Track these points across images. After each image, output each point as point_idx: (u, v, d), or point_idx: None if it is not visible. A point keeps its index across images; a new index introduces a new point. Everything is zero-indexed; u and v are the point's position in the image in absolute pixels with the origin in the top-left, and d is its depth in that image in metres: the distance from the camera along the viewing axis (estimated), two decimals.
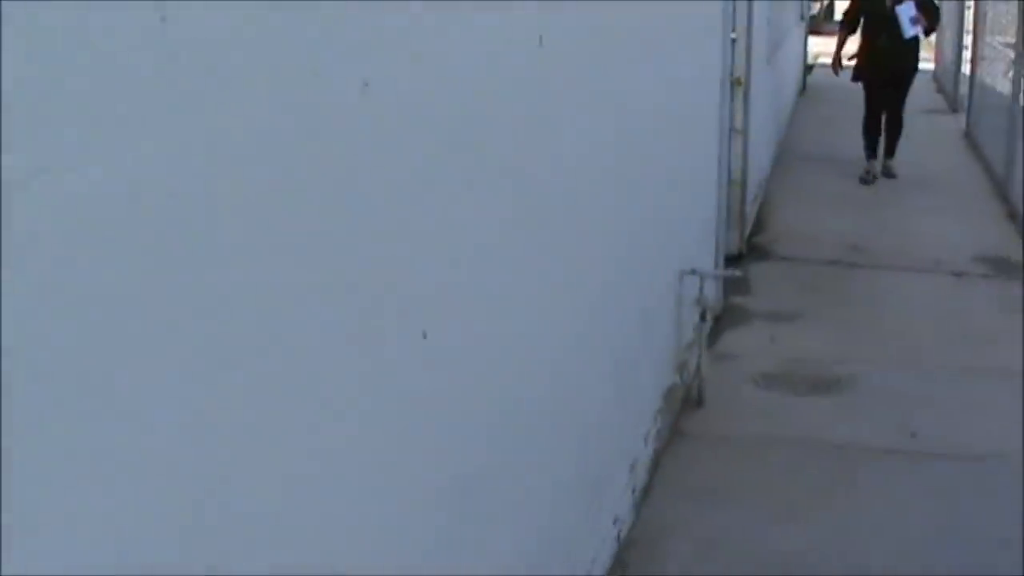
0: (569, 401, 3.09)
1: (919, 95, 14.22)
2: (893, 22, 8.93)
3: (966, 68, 12.21)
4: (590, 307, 3.31)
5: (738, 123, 6.82)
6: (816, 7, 21.03)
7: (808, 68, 15.75)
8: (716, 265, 5.92)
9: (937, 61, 15.57)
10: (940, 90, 14.75)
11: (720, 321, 5.99)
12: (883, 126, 9.59)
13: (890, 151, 9.72)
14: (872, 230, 7.86)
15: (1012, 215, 8.25)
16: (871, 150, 9.64)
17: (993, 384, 5.21)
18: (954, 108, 13.16)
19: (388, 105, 1.75)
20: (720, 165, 6.07)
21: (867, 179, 9.46)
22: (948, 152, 10.91)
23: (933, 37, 17.33)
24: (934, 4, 9.44)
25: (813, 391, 5.12)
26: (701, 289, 4.83)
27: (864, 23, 9.46)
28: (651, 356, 4.30)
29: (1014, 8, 9.15)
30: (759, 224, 7.90)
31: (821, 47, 18.39)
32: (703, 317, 4.87)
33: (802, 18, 12.86)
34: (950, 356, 5.58)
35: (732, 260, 6.99)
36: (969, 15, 12.49)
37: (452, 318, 2.10)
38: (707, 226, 5.76)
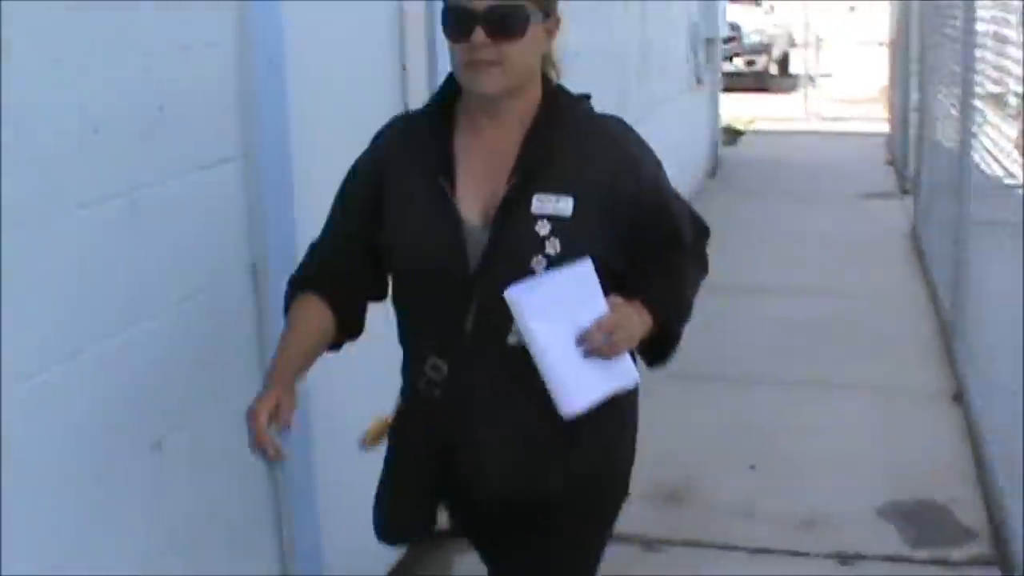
0: None
1: (864, 169, 11.03)
2: (485, 321, 2.01)
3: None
4: None
5: None
6: (762, 59, 18.04)
7: (733, 134, 12.75)
8: None
9: (892, 121, 12.42)
10: (892, 161, 11.51)
11: None
12: None
13: None
14: (720, 455, 4.68)
15: (960, 395, 5.13)
16: None
17: None
18: (905, 189, 9.88)
19: None
20: None
21: None
22: (883, 266, 7.56)
23: (884, 77, 12.74)
24: (697, 270, 2.25)
25: None
26: None
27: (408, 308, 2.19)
28: None
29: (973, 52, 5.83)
30: None
31: (764, 108, 15.47)
32: None
33: (699, 80, 9.80)
34: None
35: None
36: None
37: None
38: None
